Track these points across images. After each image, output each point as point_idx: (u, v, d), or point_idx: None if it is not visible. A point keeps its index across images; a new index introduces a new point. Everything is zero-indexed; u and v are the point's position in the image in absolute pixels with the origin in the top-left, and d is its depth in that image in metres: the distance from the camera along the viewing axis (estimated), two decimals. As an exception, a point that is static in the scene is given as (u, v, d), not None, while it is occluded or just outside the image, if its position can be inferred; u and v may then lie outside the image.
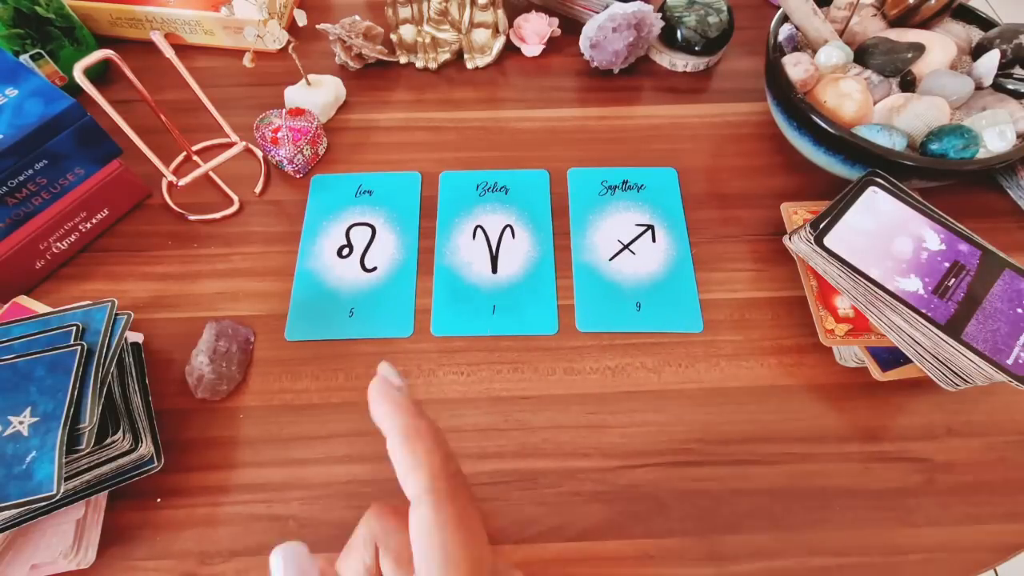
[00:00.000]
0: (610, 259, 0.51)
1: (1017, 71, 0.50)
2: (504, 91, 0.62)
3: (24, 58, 0.53)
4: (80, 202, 0.48)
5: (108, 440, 0.37)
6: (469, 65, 0.63)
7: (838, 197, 0.45)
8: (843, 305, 0.44)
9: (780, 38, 0.53)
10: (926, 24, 0.53)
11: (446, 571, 0.20)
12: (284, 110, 0.55)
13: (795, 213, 0.49)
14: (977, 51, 0.51)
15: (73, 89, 0.47)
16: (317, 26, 0.58)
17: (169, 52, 0.45)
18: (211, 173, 0.54)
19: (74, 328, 0.38)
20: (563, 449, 0.43)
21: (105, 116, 0.44)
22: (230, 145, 0.52)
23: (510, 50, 0.64)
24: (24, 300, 0.45)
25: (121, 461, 0.38)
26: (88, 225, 0.50)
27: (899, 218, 0.44)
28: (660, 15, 0.59)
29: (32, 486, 0.33)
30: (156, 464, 0.40)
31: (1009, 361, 0.38)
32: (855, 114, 0.47)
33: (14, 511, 0.33)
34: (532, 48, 0.63)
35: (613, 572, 0.39)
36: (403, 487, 0.23)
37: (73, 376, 0.36)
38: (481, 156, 0.57)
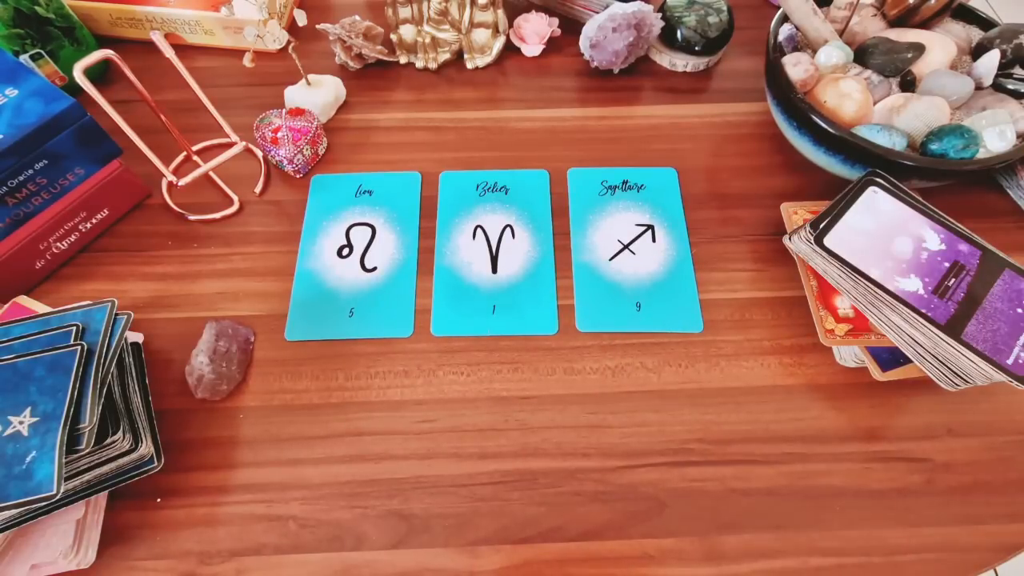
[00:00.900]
0: (610, 259, 0.51)
1: (1017, 71, 0.50)
2: (504, 91, 0.62)
3: (24, 58, 0.53)
4: (80, 202, 0.48)
5: (108, 440, 0.37)
6: (469, 65, 0.63)
7: (838, 197, 0.45)
8: (843, 305, 0.44)
9: (780, 38, 0.53)
10: (926, 24, 0.53)
11: None
12: (284, 110, 0.55)
13: (795, 213, 0.49)
14: (977, 51, 0.51)
15: (73, 89, 0.47)
16: (317, 26, 0.58)
17: (169, 52, 0.45)
18: (211, 173, 0.54)
19: (74, 328, 0.38)
20: (563, 449, 0.43)
21: (105, 116, 0.44)
22: (230, 145, 0.52)
23: (510, 50, 0.64)
24: (24, 300, 0.45)
25: (121, 461, 0.38)
26: (88, 225, 0.50)
27: (899, 218, 0.44)
28: (660, 15, 0.59)
29: (32, 486, 0.33)
30: (156, 464, 0.40)
31: (1009, 361, 0.38)
32: (855, 114, 0.47)
33: (14, 511, 0.33)
34: (532, 48, 0.63)
35: (613, 572, 0.39)
36: None
37: (73, 376, 0.36)
38: (481, 156, 0.57)
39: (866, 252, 0.42)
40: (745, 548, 0.40)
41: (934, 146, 0.45)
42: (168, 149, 0.51)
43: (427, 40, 0.61)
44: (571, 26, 0.64)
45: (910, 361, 0.41)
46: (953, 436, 0.43)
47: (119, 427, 0.38)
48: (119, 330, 0.39)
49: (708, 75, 0.63)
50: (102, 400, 0.37)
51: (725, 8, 0.61)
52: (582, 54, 0.61)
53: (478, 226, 0.52)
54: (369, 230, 0.52)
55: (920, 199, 0.45)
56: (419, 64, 0.63)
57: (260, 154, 0.57)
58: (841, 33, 0.53)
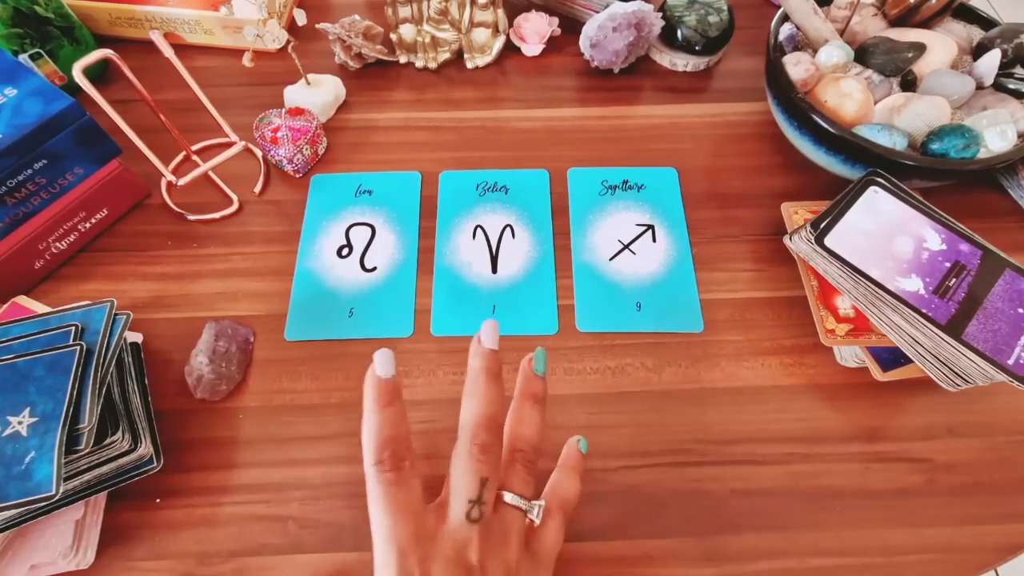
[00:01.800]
0: (610, 259, 0.50)
1: (1018, 71, 0.50)
2: (504, 91, 0.62)
3: (23, 58, 0.52)
4: (79, 202, 0.48)
5: (107, 440, 0.37)
6: (469, 65, 0.63)
7: (838, 197, 0.45)
8: (844, 305, 0.44)
9: (780, 38, 0.53)
10: (927, 24, 0.53)
11: (376, 542, 0.28)
12: (284, 110, 0.55)
13: (795, 213, 0.49)
14: (978, 51, 0.51)
15: (72, 89, 0.47)
16: (317, 26, 0.58)
17: (168, 52, 0.45)
18: (210, 173, 0.54)
19: (73, 328, 0.38)
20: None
21: (104, 116, 0.44)
22: (229, 145, 0.52)
23: (510, 50, 0.64)
24: (23, 300, 0.44)
25: (120, 461, 0.38)
26: (87, 225, 0.50)
27: (900, 218, 0.44)
28: (660, 15, 0.59)
29: (31, 486, 0.33)
30: (155, 464, 0.40)
31: (1010, 361, 0.38)
32: (856, 114, 0.47)
33: (13, 511, 0.33)
34: (532, 48, 0.63)
35: (613, 572, 0.39)
36: None
37: (72, 376, 0.36)
38: (481, 156, 0.57)
39: (867, 252, 0.42)
40: (745, 548, 0.40)
41: (935, 146, 0.45)
42: (167, 149, 0.51)
43: (427, 40, 0.61)
44: (571, 26, 0.64)
45: (911, 361, 0.41)
46: (954, 436, 0.43)
47: (118, 427, 0.37)
48: (118, 330, 0.39)
49: (708, 75, 0.63)
50: (101, 400, 0.37)
51: (725, 8, 0.61)
52: (582, 54, 0.61)
53: (478, 226, 0.52)
54: (369, 230, 0.52)
55: (921, 199, 0.45)
56: (419, 64, 0.63)
57: (260, 154, 0.57)
58: (842, 33, 0.53)
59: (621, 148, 0.57)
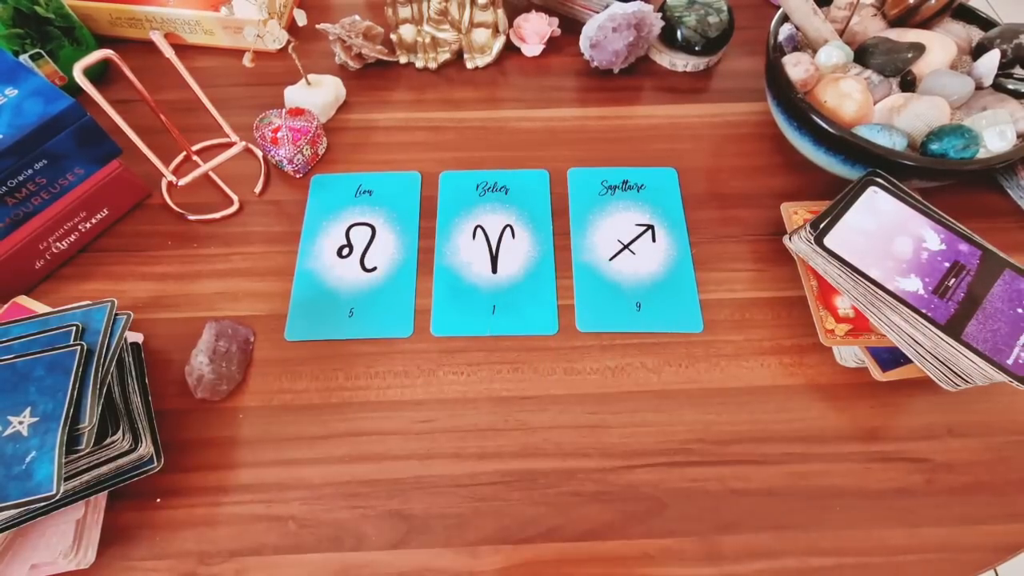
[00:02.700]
0: (610, 259, 0.50)
1: (1017, 71, 0.50)
2: (504, 91, 0.62)
3: (24, 58, 0.53)
4: (80, 202, 0.48)
5: (108, 440, 0.37)
6: (469, 65, 0.63)
7: (838, 197, 0.45)
8: (843, 305, 0.44)
9: (780, 38, 0.53)
10: (926, 24, 0.53)
11: None
12: (284, 110, 0.55)
13: (795, 213, 0.49)
14: (977, 51, 0.51)
15: (73, 89, 0.47)
16: (317, 26, 0.58)
17: (169, 52, 0.45)
18: (211, 173, 0.54)
19: (74, 328, 0.38)
20: (563, 449, 0.43)
21: (105, 116, 0.44)
22: (230, 145, 0.52)
23: (510, 50, 0.64)
24: (24, 300, 0.44)
25: (121, 461, 0.38)
26: (88, 225, 0.50)
27: (899, 218, 0.44)
28: (660, 15, 0.59)
29: (32, 486, 0.33)
30: (156, 464, 0.40)
31: (1009, 361, 0.38)
32: (855, 114, 0.47)
33: (14, 511, 0.33)
34: (532, 48, 0.63)
35: (613, 572, 0.39)
36: None
37: (73, 376, 0.36)
38: (481, 156, 0.57)
39: (866, 252, 0.42)
40: (745, 548, 0.40)
41: (934, 146, 0.45)
42: (168, 149, 0.51)
43: (427, 40, 0.61)
44: (571, 26, 0.64)
45: (910, 361, 0.41)
46: (953, 436, 0.43)
47: (119, 427, 0.37)
48: (119, 330, 0.39)
49: (708, 75, 0.63)
50: (102, 400, 0.37)
51: (725, 8, 0.61)
52: (582, 54, 0.61)
53: (478, 226, 0.52)
54: (369, 230, 0.52)
55: (920, 199, 0.45)
56: (419, 64, 0.63)
57: (260, 154, 0.57)
58: (841, 33, 0.53)
59: (621, 148, 0.57)
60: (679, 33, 0.60)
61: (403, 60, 0.63)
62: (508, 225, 0.52)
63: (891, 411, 0.44)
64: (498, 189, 0.54)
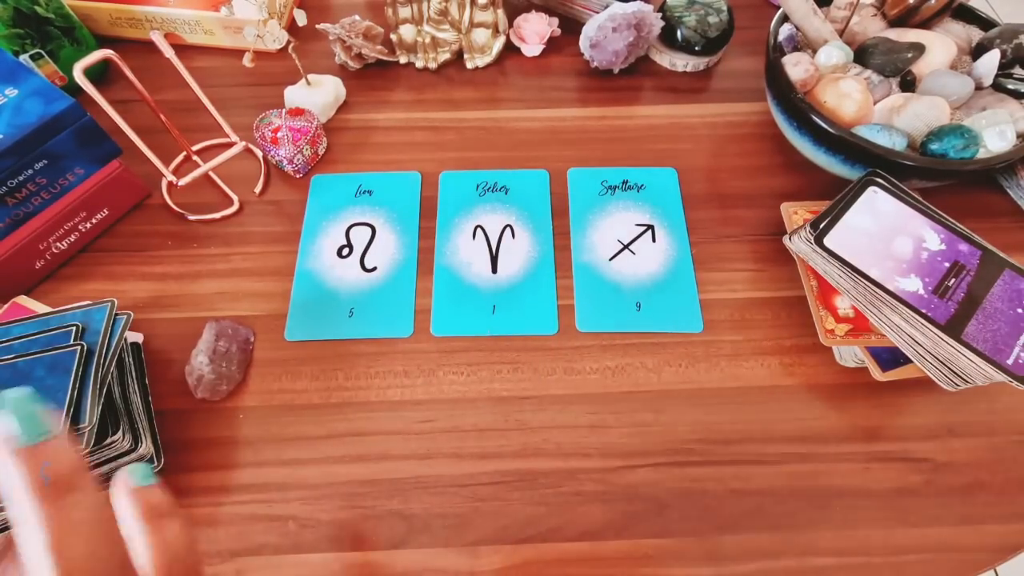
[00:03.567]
0: (610, 259, 0.51)
1: (1017, 71, 0.50)
2: (504, 91, 0.62)
3: (24, 58, 0.53)
4: (80, 202, 0.48)
5: (108, 440, 0.37)
6: (469, 65, 0.63)
7: (838, 197, 0.45)
8: (843, 305, 0.44)
9: (780, 38, 0.53)
10: (926, 24, 0.53)
11: None
12: (284, 110, 0.55)
13: (795, 213, 0.49)
14: (977, 51, 0.51)
15: (73, 89, 0.47)
16: (317, 26, 0.58)
17: (169, 52, 0.45)
18: (211, 173, 0.54)
19: (74, 328, 0.38)
20: (563, 449, 0.43)
21: (105, 116, 0.44)
22: (230, 145, 0.52)
23: (510, 50, 0.64)
24: (24, 300, 0.45)
25: (121, 461, 0.38)
26: (88, 225, 0.50)
27: (899, 218, 0.44)
28: (660, 15, 0.59)
29: (32, 486, 0.33)
30: (156, 464, 0.40)
31: (1009, 361, 0.38)
32: (855, 114, 0.47)
33: (14, 511, 0.33)
34: (532, 48, 0.63)
35: (613, 572, 0.39)
36: None
37: (73, 376, 0.36)
38: (481, 156, 0.57)
39: (866, 252, 0.42)
40: (745, 548, 0.40)
41: (934, 146, 0.45)
42: (168, 149, 0.51)
43: (427, 40, 0.61)
44: (571, 26, 0.64)
45: (910, 361, 0.41)
46: (953, 436, 0.43)
47: (119, 427, 0.38)
48: (119, 330, 0.39)
49: (708, 75, 0.63)
50: (102, 400, 0.37)
51: (725, 8, 0.61)
52: (582, 54, 0.61)
53: (478, 226, 0.52)
54: (369, 230, 0.52)
55: (920, 199, 0.45)
56: (419, 64, 0.63)
57: (260, 154, 0.57)
58: (841, 33, 0.53)
59: (621, 148, 0.57)
60: (679, 33, 0.60)
61: (403, 60, 0.63)
62: (508, 225, 0.52)
63: (891, 411, 0.44)
64: (498, 189, 0.54)
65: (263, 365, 0.46)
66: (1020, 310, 0.40)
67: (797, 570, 0.39)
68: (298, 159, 0.54)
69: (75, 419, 0.35)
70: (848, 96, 0.47)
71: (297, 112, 0.55)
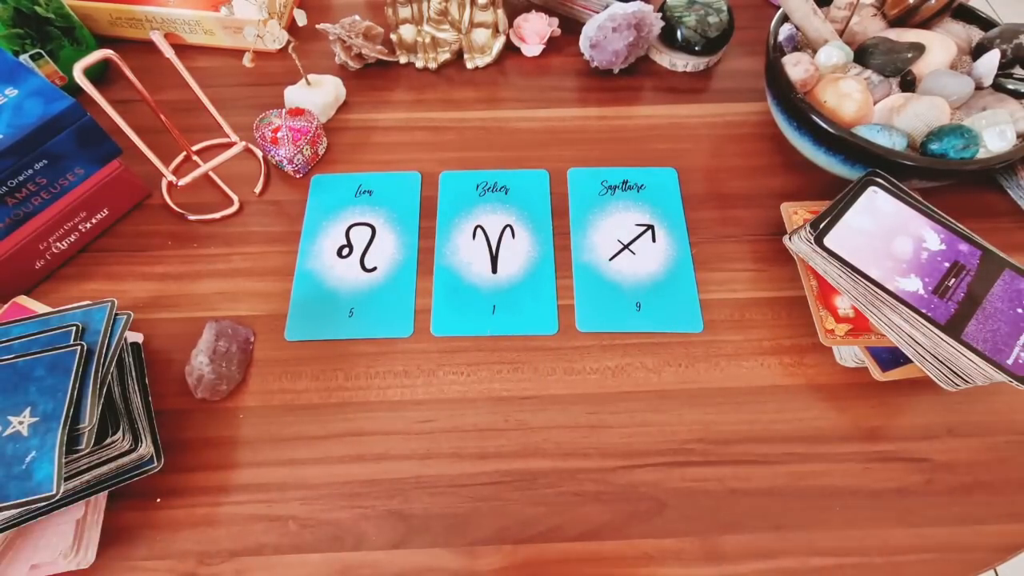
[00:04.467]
0: (610, 259, 0.51)
1: (1017, 71, 0.50)
2: (504, 91, 0.62)
3: (24, 58, 0.53)
4: (80, 202, 0.48)
5: (108, 440, 0.37)
6: (469, 65, 0.63)
7: (838, 197, 0.45)
8: (843, 305, 0.44)
9: (780, 38, 0.53)
10: (926, 24, 0.53)
11: None
12: (284, 110, 0.55)
13: (795, 213, 0.49)
14: (977, 51, 0.51)
15: (73, 89, 0.47)
16: (317, 26, 0.58)
17: (169, 52, 0.45)
18: (211, 173, 0.54)
19: (74, 328, 0.38)
20: (563, 449, 0.43)
21: (105, 116, 0.44)
22: (230, 145, 0.52)
23: (510, 50, 0.64)
24: (24, 300, 0.45)
25: (121, 461, 0.38)
26: (88, 225, 0.50)
27: (899, 218, 0.44)
28: (660, 15, 0.59)
29: (32, 486, 0.33)
30: (156, 464, 0.40)
31: (1009, 361, 0.38)
32: (855, 114, 0.47)
33: (14, 511, 0.33)
34: (532, 48, 0.63)
35: (613, 572, 0.39)
36: None
37: (73, 376, 0.36)
38: (481, 156, 0.57)
39: (866, 252, 0.42)
40: (745, 548, 0.40)
41: (934, 146, 0.45)
42: (168, 149, 0.51)
43: (427, 40, 0.61)
44: (571, 26, 0.64)
45: (910, 361, 0.41)
46: (953, 436, 0.43)
47: (119, 427, 0.38)
48: (119, 330, 0.39)
49: (708, 75, 0.63)
50: (102, 400, 0.37)
51: (725, 8, 0.61)
52: (582, 54, 0.61)
53: (478, 226, 0.52)
54: (369, 230, 0.52)
55: (920, 199, 0.45)
56: (419, 64, 0.63)
57: (260, 154, 0.57)
58: (841, 33, 0.53)
59: (621, 148, 0.57)
60: (679, 33, 0.60)
61: (403, 60, 0.63)
62: (508, 225, 0.52)
63: (891, 411, 0.44)
64: (498, 189, 0.54)
65: (263, 365, 0.46)
66: (1020, 310, 0.40)
67: (797, 570, 0.39)
68: (298, 159, 0.54)
69: (75, 419, 0.35)
70: (848, 96, 0.47)
71: (297, 112, 0.55)
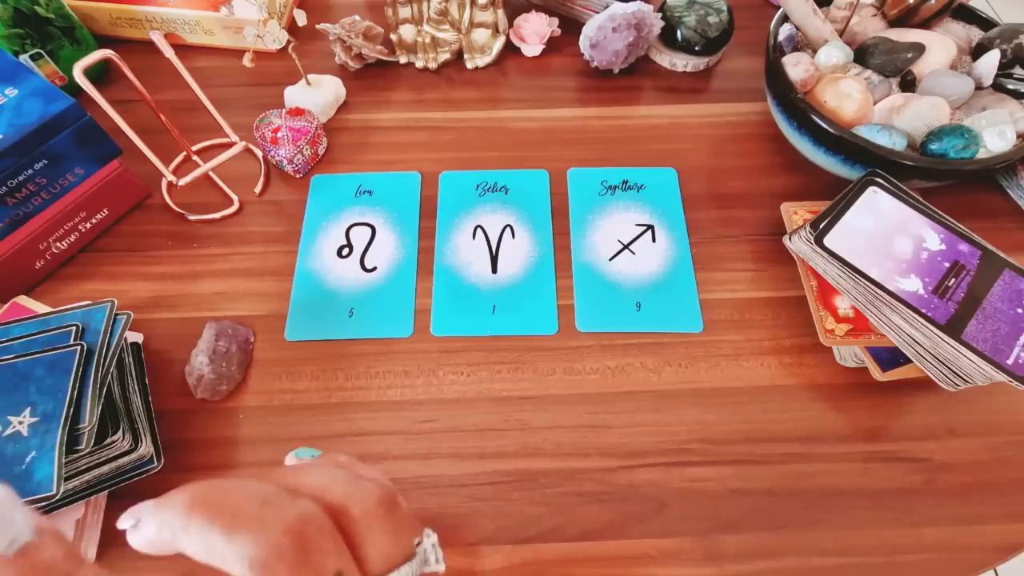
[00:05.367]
0: (610, 259, 0.50)
1: (1017, 71, 0.50)
2: (504, 91, 0.62)
3: (24, 58, 0.53)
4: (80, 202, 0.48)
5: (108, 440, 0.37)
6: (469, 65, 0.63)
7: (838, 197, 0.45)
8: (843, 305, 0.44)
9: (780, 38, 0.53)
10: (926, 24, 0.53)
11: None
12: (284, 110, 0.55)
13: (795, 213, 0.49)
14: (977, 51, 0.51)
15: (73, 89, 0.47)
16: (317, 26, 0.58)
17: (169, 52, 0.45)
18: (211, 173, 0.54)
19: (74, 328, 0.38)
20: (563, 449, 0.43)
21: (105, 116, 0.44)
22: (230, 145, 0.52)
23: (510, 50, 0.64)
24: (24, 300, 0.44)
25: (121, 461, 0.38)
26: (88, 225, 0.50)
27: (899, 218, 0.44)
28: (660, 15, 0.59)
29: (32, 486, 0.33)
30: (156, 464, 0.40)
31: (1009, 361, 0.38)
32: (855, 114, 0.47)
33: (14, 511, 0.33)
34: (532, 48, 0.63)
35: (613, 572, 0.39)
36: None
37: (73, 376, 0.36)
38: (481, 156, 0.57)
39: (866, 252, 0.42)
40: (745, 548, 0.40)
41: (934, 146, 0.45)
42: (168, 149, 0.51)
43: (427, 40, 0.61)
44: (571, 26, 0.64)
45: (910, 361, 0.41)
46: (953, 436, 0.43)
47: (119, 427, 0.38)
48: (119, 330, 0.39)
49: (708, 75, 0.63)
50: (102, 400, 0.37)
51: (725, 8, 0.61)
52: (582, 54, 0.61)
53: (478, 226, 0.52)
54: (369, 230, 0.52)
55: (920, 199, 0.45)
56: (419, 64, 0.63)
57: (260, 154, 0.57)
58: (841, 33, 0.53)
59: (621, 148, 0.57)
60: (679, 33, 0.60)
61: (403, 60, 0.63)
62: (508, 225, 0.52)
63: (891, 411, 0.44)
64: (498, 189, 0.54)
65: (263, 365, 0.46)
66: (1020, 310, 0.40)
67: (797, 570, 0.39)
68: (298, 159, 0.54)
69: (75, 419, 0.35)
70: (848, 96, 0.47)
71: (297, 112, 0.55)
